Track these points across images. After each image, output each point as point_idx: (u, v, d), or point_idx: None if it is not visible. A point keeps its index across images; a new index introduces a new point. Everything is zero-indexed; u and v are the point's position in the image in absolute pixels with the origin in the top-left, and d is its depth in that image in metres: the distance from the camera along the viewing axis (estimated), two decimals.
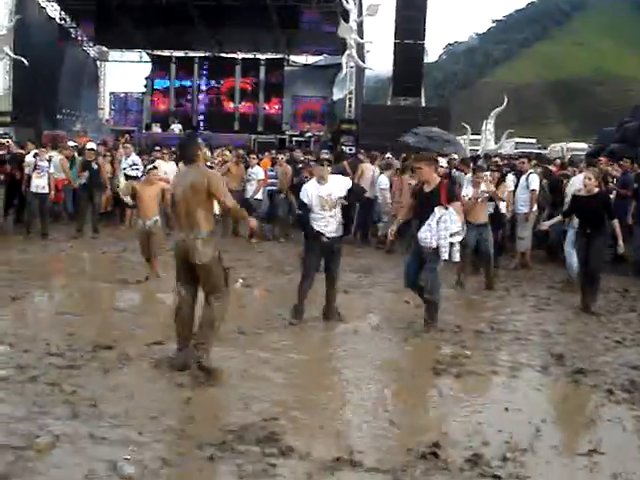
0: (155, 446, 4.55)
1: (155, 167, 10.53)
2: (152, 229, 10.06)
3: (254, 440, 4.65)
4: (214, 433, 4.75)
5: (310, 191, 7.89)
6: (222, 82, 37.82)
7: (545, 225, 10.34)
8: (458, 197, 7.99)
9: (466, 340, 7.46)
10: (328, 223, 7.81)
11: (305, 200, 7.86)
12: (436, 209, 7.45)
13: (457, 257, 7.66)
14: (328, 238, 7.78)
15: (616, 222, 9.10)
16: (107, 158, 15.77)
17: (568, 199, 10.31)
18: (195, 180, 5.98)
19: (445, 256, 7.47)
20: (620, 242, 9.12)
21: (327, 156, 12.84)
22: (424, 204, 7.64)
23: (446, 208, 7.46)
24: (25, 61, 27.67)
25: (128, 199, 10.93)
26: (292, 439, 4.69)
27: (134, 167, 14.90)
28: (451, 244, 7.46)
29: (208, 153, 12.03)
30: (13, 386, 5.56)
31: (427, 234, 7.42)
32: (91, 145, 15.39)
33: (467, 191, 10.19)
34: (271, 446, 4.57)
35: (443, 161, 11.31)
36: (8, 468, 4.16)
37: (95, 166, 14.46)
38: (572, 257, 10.16)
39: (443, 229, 7.38)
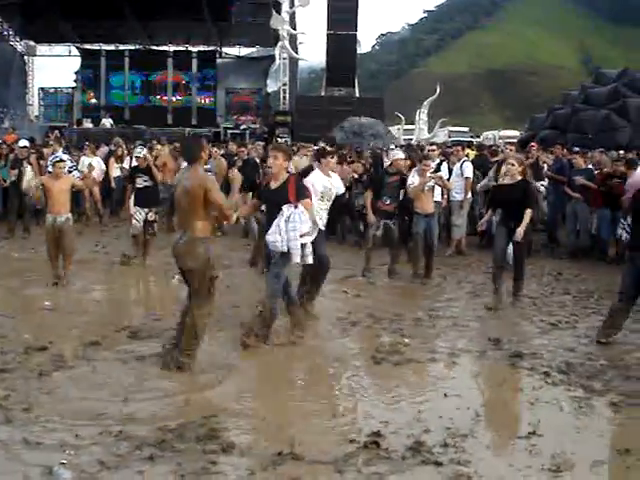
0: (92, 449, 4.45)
1: (61, 160, 9.96)
2: (63, 227, 9.44)
3: (194, 438, 4.59)
4: (153, 432, 4.67)
5: (318, 180, 7.88)
6: (154, 75, 37.25)
7: (482, 225, 9.52)
8: (309, 195, 6.99)
9: (405, 328, 7.51)
10: (321, 216, 7.75)
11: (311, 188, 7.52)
12: (284, 208, 6.62)
13: (309, 260, 6.79)
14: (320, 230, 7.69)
15: (529, 212, 8.52)
16: (34, 156, 15.41)
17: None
18: (192, 184, 5.88)
19: (297, 259, 6.67)
20: (520, 230, 8.39)
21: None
22: (271, 202, 6.89)
23: (295, 207, 6.64)
24: None
25: (32, 192, 11.06)
26: (233, 435, 4.65)
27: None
28: (302, 245, 6.64)
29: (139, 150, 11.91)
30: None
31: (276, 237, 6.57)
32: (23, 143, 14.98)
33: (413, 179, 10.16)
34: (212, 443, 4.51)
35: (401, 153, 11.15)
36: None
37: (27, 165, 14.08)
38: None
39: (292, 229, 6.55)
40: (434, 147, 13.85)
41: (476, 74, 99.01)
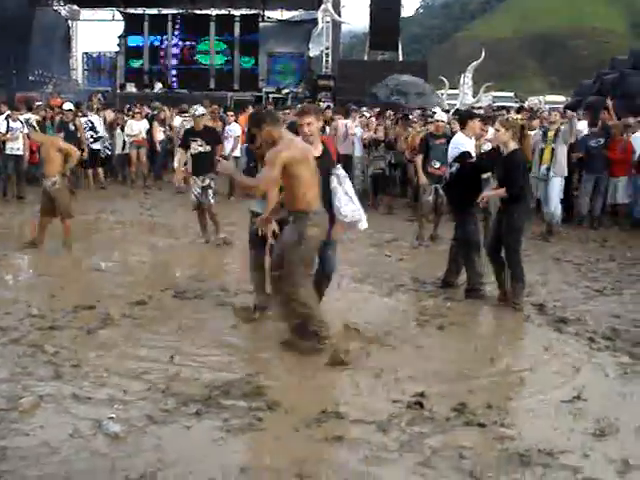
0: (140, 404, 4.54)
1: (34, 127, 10.13)
2: (49, 190, 9.24)
3: (240, 395, 4.65)
4: (199, 389, 4.74)
5: (468, 144, 7.73)
6: (196, 39, 37.22)
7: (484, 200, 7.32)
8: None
9: (448, 292, 7.48)
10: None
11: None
12: (338, 172, 5.97)
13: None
14: None
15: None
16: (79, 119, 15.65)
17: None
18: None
19: (365, 224, 6.09)
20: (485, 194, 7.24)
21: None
22: (321, 170, 5.74)
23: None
24: None
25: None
26: (278, 393, 4.70)
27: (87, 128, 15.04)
28: None
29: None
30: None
31: (352, 206, 5.91)
32: (68, 106, 15.14)
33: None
34: (257, 400, 4.57)
35: (443, 115, 10.93)
36: None
37: (72, 127, 14.25)
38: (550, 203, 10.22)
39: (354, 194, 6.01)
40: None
41: (521, 38, 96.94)
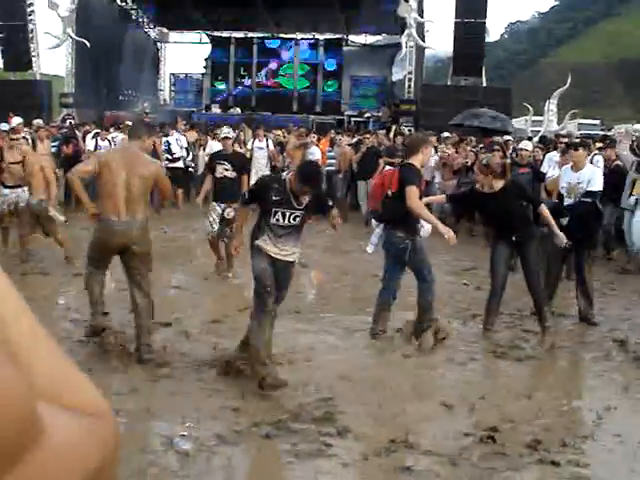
0: (211, 423, 4.59)
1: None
2: (34, 207, 9.20)
3: (310, 419, 4.66)
4: (270, 411, 4.76)
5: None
6: (281, 63, 37.80)
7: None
8: None
9: (525, 324, 7.32)
10: None
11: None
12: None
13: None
14: None
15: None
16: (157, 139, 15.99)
17: None
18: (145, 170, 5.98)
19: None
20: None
21: None
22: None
23: None
24: (87, 43, 27.99)
25: None
26: (348, 419, 4.68)
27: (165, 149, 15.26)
28: None
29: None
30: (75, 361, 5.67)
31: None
32: None
33: (553, 172, 9.79)
34: (327, 426, 4.56)
35: (528, 144, 10.81)
36: None
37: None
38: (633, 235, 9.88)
39: None
40: (565, 139, 13.27)
41: (609, 64, 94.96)
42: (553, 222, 6.86)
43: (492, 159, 7.30)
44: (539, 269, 7.08)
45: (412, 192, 6.20)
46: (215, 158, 9.46)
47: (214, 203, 9.15)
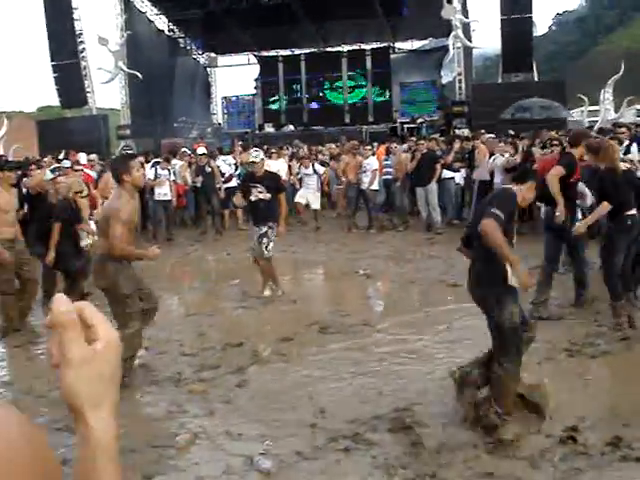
0: (290, 440, 4.62)
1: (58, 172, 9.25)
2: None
3: (386, 430, 4.65)
4: (347, 425, 4.77)
5: None
6: (329, 76, 38.01)
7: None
8: None
9: (600, 320, 7.16)
10: None
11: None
12: None
13: None
14: None
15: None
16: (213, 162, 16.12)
17: None
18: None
19: None
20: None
21: None
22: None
23: None
24: (139, 75, 28.61)
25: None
26: (424, 429, 4.65)
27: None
28: None
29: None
30: (151, 388, 5.80)
31: None
32: (202, 150, 15.81)
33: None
34: (404, 436, 4.55)
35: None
36: (153, 467, 4.33)
37: (208, 169, 14.87)
38: None
39: None
40: (623, 129, 12.88)
41: None
42: None
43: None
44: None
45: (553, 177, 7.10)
46: (248, 181, 9.23)
47: (255, 227, 9.04)
